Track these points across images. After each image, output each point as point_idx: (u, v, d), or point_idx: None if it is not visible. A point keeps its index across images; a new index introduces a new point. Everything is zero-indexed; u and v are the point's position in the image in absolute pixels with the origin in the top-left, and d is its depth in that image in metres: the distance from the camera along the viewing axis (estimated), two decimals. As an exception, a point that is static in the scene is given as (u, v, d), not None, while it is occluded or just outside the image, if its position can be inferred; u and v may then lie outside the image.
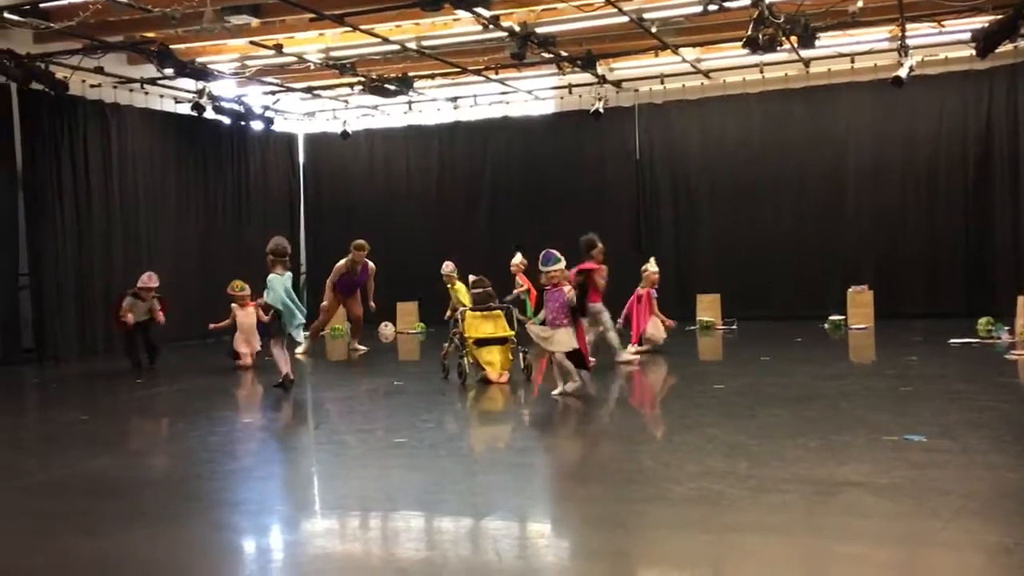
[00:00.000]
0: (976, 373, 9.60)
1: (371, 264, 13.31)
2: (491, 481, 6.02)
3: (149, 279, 12.16)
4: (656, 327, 12.18)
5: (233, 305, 12.31)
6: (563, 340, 8.84)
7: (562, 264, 9.17)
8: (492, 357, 9.98)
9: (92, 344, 14.11)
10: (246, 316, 12.12)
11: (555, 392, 8.85)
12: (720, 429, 7.07)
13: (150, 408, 9.56)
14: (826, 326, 14.23)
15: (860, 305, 14.37)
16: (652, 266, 12.45)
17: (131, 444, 7.50)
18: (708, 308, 15.20)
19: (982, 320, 12.93)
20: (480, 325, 10.17)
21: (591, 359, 9.51)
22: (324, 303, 13.44)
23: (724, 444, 6.53)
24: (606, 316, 11.00)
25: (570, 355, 8.86)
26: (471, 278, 11.07)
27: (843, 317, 14.33)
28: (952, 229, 15.14)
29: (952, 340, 11.90)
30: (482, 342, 10.04)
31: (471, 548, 4.71)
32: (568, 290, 8.96)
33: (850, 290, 14.62)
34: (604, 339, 10.97)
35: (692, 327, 14.86)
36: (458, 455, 6.97)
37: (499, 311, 10.43)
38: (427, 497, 5.60)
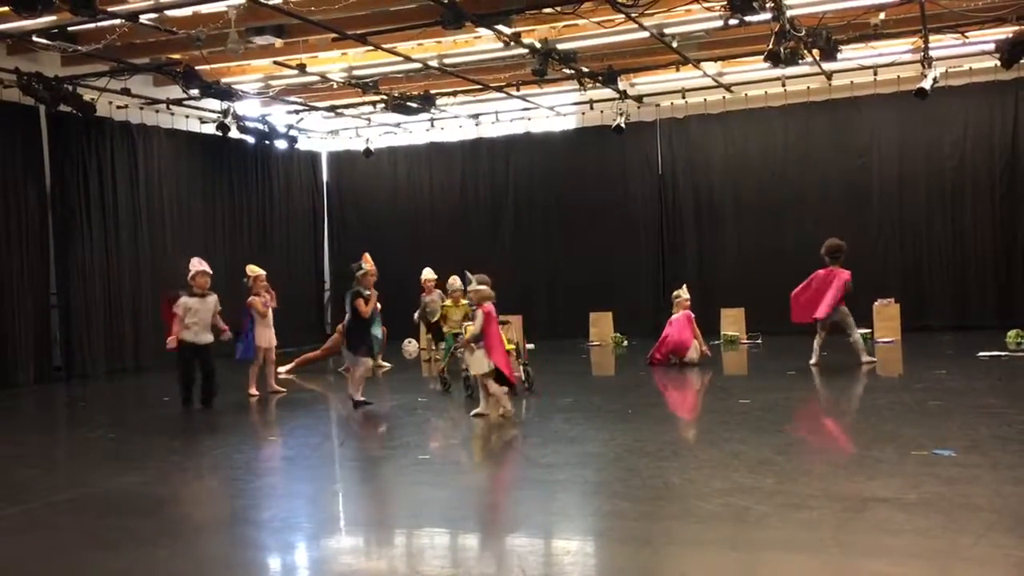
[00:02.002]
0: (1006, 386, 9.48)
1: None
2: (516, 497, 6.00)
3: (199, 263, 10.25)
4: (695, 350, 12.43)
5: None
6: (477, 362, 8.84)
7: (477, 287, 9.04)
8: None
9: (120, 362, 14.24)
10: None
11: (472, 412, 8.87)
12: (746, 444, 7.02)
13: (176, 426, 9.61)
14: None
15: (887, 318, 14.25)
16: (684, 293, 12.76)
17: (157, 461, 7.54)
18: (733, 322, 15.13)
19: (1011, 332, 12.81)
20: None
21: (515, 376, 9.46)
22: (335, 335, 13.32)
23: (751, 460, 6.48)
24: (851, 319, 11.63)
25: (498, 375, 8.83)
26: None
27: (869, 331, 14.20)
28: (979, 241, 15.01)
29: (981, 353, 11.77)
30: None
31: (496, 565, 4.69)
32: (482, 313, 8.88)
33: (876, 303, 14.50)
34: (851, 342, 11.64)
35: (716, 342, 14.78)
36: (483, 471, 6.95)
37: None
38: (452, 514, 5.59)
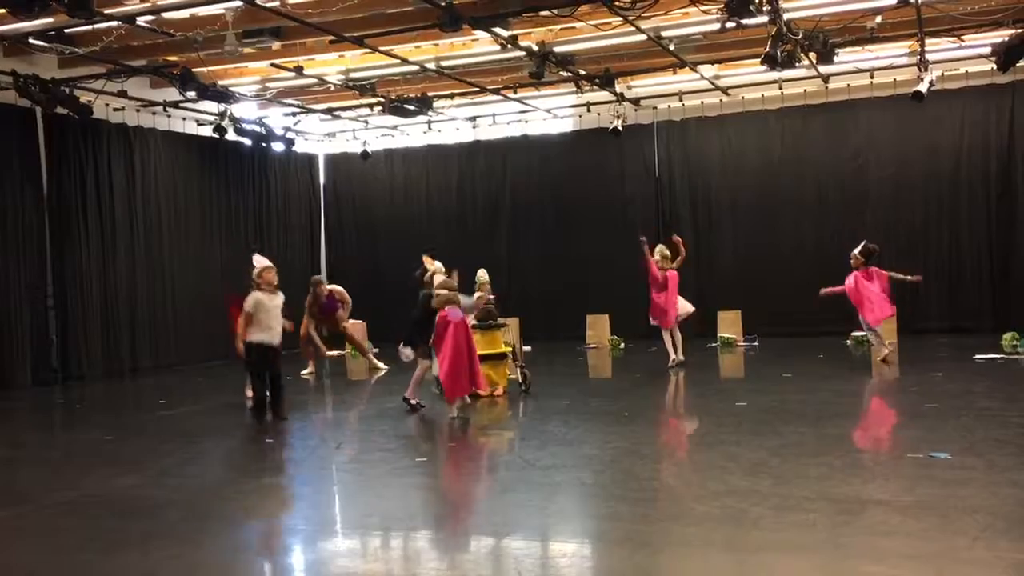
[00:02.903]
0: (1001, 389, 9.50)
1: (338, 289, 13.42)
2: (513, 500, 6.01)
3: (263, 259, 9.39)
4: (684, 305, 12.73)
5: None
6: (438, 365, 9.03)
7: (438, 291, 9.09)
8: (487, 372, 10.09)
9: (117, 364, 14.23)
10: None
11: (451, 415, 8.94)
12: (743, 447, 7.03)
13: (174, 428, 9.60)
14: (849, 342, 14.13)
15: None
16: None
17: (154, 464, 7.54)
18: (729, 325, 15.13)
19: (1007, 335, 12.84)
20: (480, 342, 10.30)
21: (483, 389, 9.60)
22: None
23: (747, 462, 6.49)
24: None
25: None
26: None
27: (864, 333, 14.20)
28: (975, 244, 15.04)
29: (977, 356, 11.79)
30: (481, 359, 10.16)
31: (493, 567, 4.70)
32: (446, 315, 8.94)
33: (873, 306, 14.49)
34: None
35: (713, 344, 14.79)
36: (479, 474, 6.96)
37: (497, 328, 10.54)
38: (449, 516, 5.59)
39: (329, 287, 13.44)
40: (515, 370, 10.53)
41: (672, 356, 12.29)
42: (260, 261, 9.31)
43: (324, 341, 13.71)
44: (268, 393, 9.05)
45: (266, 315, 8.92)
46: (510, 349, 10.51)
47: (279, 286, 9.22)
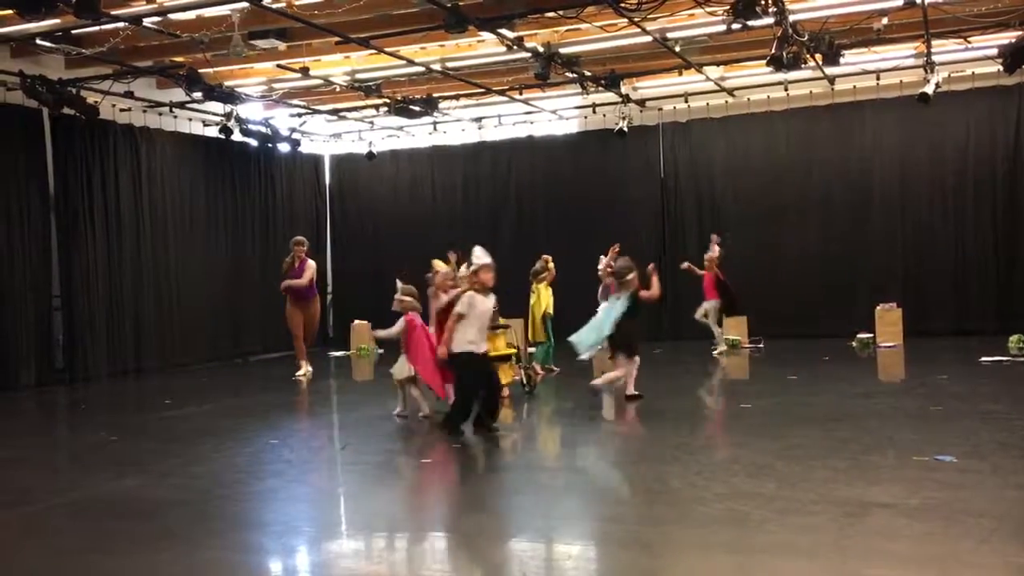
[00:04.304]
0: (1007, 391, 9.48)
1: (310, 261, 13.24)
2: (517, 502, 6.01)
3: (485, 254, 8.26)
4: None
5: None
6: (398, 367, 9.04)
7: (402, 297, 9.06)
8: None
9: (123, 364, 14.25)
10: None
11: (420, 414, 8.98)
12: (747, 449, 7.02)
13: (178, 429, 9.61)
14: (854, 344, 14.10)
15: (888, 323, 14.23)
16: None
17: (158, 465, 7.55)
18: (734, 327, 15.09)
19: (1013, 337, 12.79)
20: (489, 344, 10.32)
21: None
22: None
23: (751, 464, 6.48)
24: None
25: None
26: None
27: (871, 335, 14.20)
28: (981, 245, 14.99)
29: (983, 358, 11.76)
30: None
31: (498, 569, 4.70)
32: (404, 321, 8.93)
33: (878, 308, 14.47)
34: None
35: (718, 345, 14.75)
36: (483, 475, 6.95)
37: (502, 329, 10.55)
38: (453, 518, 5.59)
39: (310, 261, 13.11)
40: (519, 372, 10.52)
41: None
42: (481, 257, 8.21)
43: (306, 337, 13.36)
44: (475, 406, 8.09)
45: (477, 319, 8.06)
46: (514, 351, 10.48)
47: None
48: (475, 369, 8.04)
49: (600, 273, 12.10)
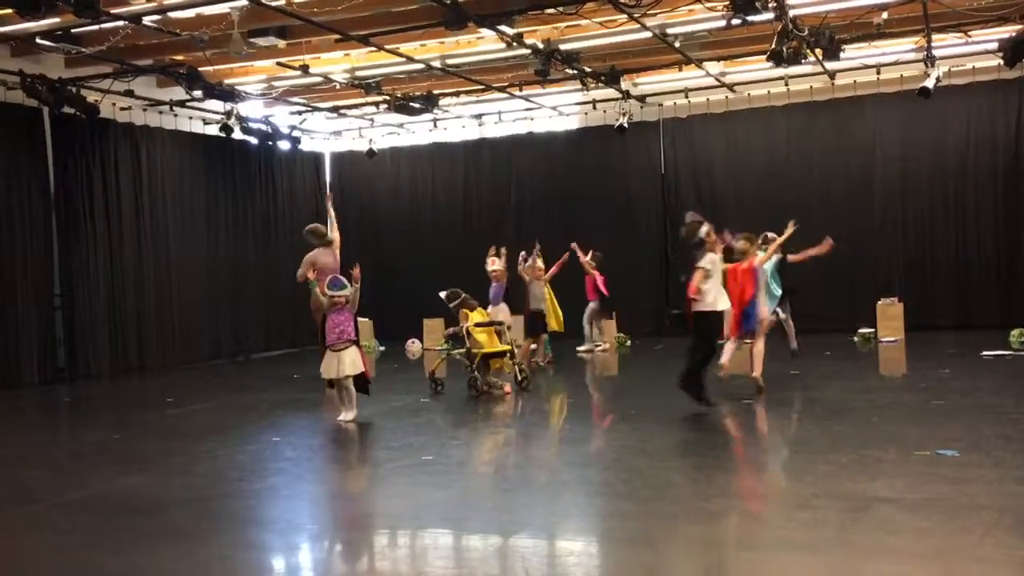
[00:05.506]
0: (1009, 386, 9.48)
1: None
2: (519, 498, 6.01)
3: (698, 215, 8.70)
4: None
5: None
6: (352, 362, 8.91)
7: (348, 291, 9.04)
8: (497, 367, 10.48)
9: (124, 363, 14.26)
10: None
11: (340, 419, 8.89)
12: (749, 445, 7.02)
13: (181, 427, 9.63)
14: (856, 339, 14.11)
15: (890, 318, 14.24)
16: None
17: (161, 463, 7.56)
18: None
19: (1015, 332, 12.79)
20: (488, 340, 10.54)
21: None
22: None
23: (754, 460, 6.49)
24: None
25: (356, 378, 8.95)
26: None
27: (873, 330, 14.20)
28: (982, 240, 14.99)
29: (984, 352, 11.76)
30: (490, 356, 10.41)
31: (500, 566, 4.70)
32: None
33: (880, 303, 14.48)
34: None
35: (720, 341, 14.73)
36: (486, 472, 6.96)
37: (497, 326, 10.72)
38: (455, 515, 5.60)
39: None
40: (513, 368, 10.60)
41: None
42: (701, 221, 8.56)
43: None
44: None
45: (718, 278, 8.49)
46: (509, 348, 10.60)
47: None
48: (717, 328, 8.64)
49: (492, 275, 12.60)
